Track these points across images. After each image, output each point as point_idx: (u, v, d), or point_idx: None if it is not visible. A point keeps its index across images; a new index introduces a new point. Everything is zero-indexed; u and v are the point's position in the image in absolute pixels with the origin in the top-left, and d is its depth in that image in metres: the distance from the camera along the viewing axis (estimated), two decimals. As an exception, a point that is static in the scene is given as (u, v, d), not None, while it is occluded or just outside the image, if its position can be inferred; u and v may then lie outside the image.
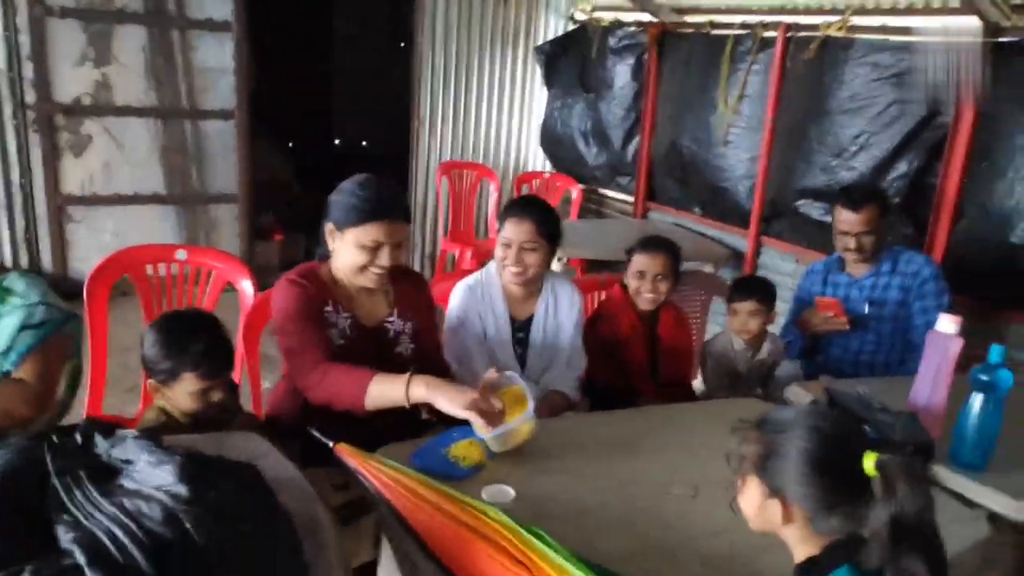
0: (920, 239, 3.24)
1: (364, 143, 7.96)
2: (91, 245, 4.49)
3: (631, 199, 5.13)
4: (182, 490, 1.05)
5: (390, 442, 1.63)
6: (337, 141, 7.95)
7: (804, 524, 1.06)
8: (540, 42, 5.53)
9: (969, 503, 1.67)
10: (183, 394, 1.63)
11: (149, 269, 2.33)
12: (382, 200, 1.76)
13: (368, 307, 1.90)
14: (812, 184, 3.66)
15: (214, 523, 1.01)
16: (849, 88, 3.44)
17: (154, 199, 4.65)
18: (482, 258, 4.82)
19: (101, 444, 1.27)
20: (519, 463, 1.59)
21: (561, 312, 2.24)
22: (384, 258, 1.78)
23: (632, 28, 4.90)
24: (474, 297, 2.16)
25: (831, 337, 2.75)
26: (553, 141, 5.59)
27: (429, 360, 1.98)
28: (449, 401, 1.54)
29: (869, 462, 1.01)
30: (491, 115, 5.58)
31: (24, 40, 4.10)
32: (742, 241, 4.22)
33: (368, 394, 1.62)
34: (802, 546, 1.08)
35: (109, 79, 4.36)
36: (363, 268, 1.79)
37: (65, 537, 0.97)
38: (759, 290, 2.64)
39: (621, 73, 4.96)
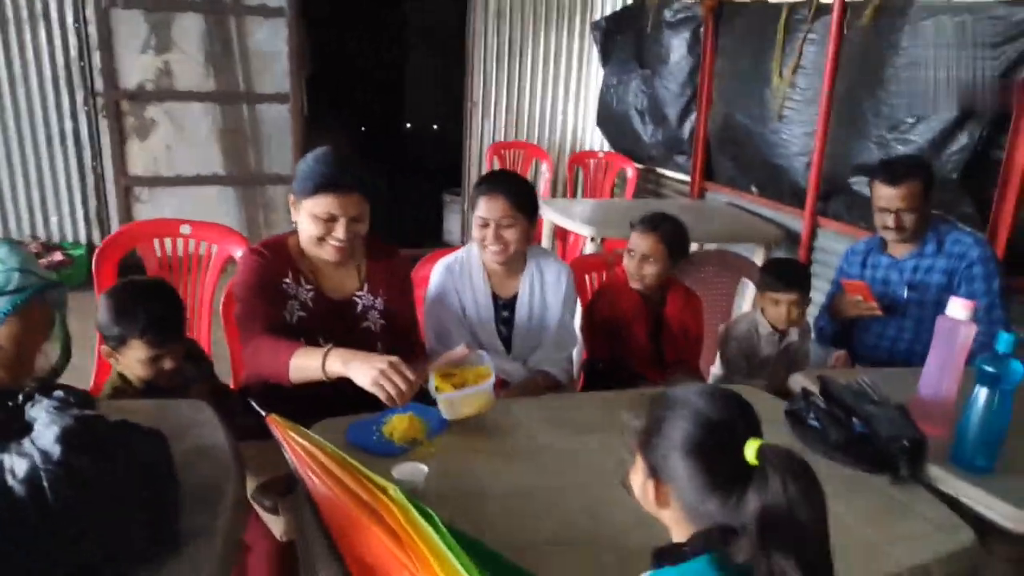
0: (983, 219, 2.94)
1: (435, 127, 8.02)
2: (156, 224, 4.72)
3: (688, 178, 4.92)
4: (55, 451, 1.06)
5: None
6: (406, 125, 8.04)
7: (679, 508, 0.97)
8: (596, 18, 5.38)
9: (963, 510, 1.49)
10: (133, 360, 1.66)
11: (156, 244, 2.41)
12: (336, 172, 1.74)
13: (336, 281, 1.89)
14: (867, 160, 3.37)
15: (73, 486, 1.02)
16: (907, 56, 3.14)
17: (213, 180, 4.85)
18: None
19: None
20: (456, 441, 1.54)
21: (547, 289, 2.16)
22: (340, 231, 1.75)
23: (688, 1, 4.68)
24: (452, 276, 2.10)
25: (866, 323, 2.54)
26: (609, 120, 5.44)
27: (401, 338, 1.95)
28: (360, 373, 1.49)
29: (750, 449, 0.91)
30: (547, 95, 5.49)
31: (92, 31, 4.35)
32: (799, 222, 3.96)
33: (290, 367, 1.60)
34: (677, 531, 0.98)
35: (170, 66, 4.57)
36: (320, 240, 1.78)
37: (-66, 486, 1.00)
38: (800, 279, 2.47)
39: (677, 47, 4.75)
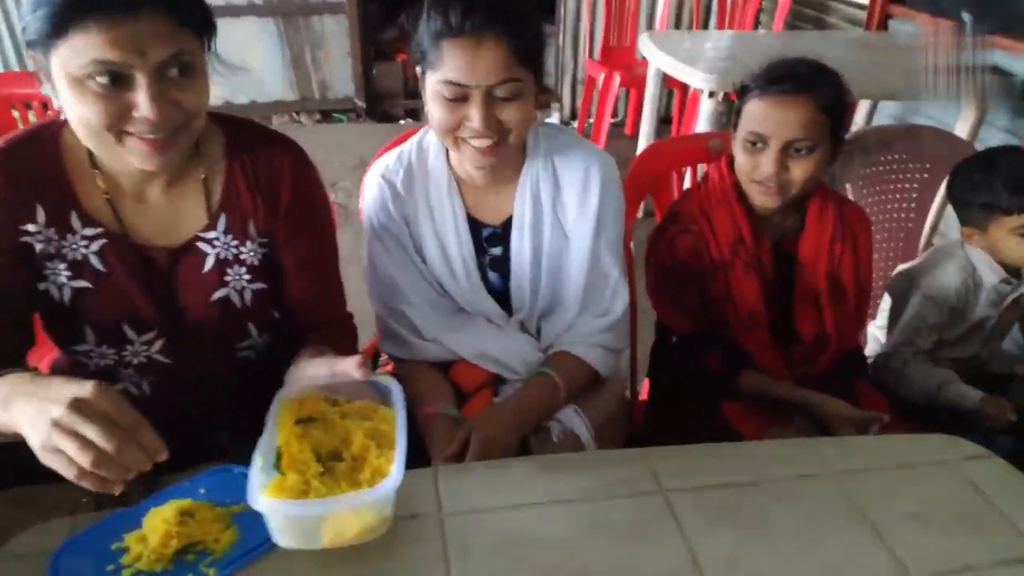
0: None
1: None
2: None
3: (865, 1, 3.52)
4: None
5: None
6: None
7: None
8: None
9: None
10: None
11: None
12: None
13: (163, 209, 0.99)
14: None
15: None
16: None
17: (251, 9, 4.00)
18: (637, 87, 3.68)
19: None
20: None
21: (566, 202, 1.17)
22: (145, 105, 0.82)
23: None
24: (394, 193, 1.17)
25: None
26: (760, -85, 3.98)
27: (306, 314, 1.08)
28: (26, 424, 0.70)
29: None
30: None
31: None
32: (1036, 69, 2.63)
33: None
34: None
35: None
36: (113, 131, 0.84)
37: None
38: None
39: None
